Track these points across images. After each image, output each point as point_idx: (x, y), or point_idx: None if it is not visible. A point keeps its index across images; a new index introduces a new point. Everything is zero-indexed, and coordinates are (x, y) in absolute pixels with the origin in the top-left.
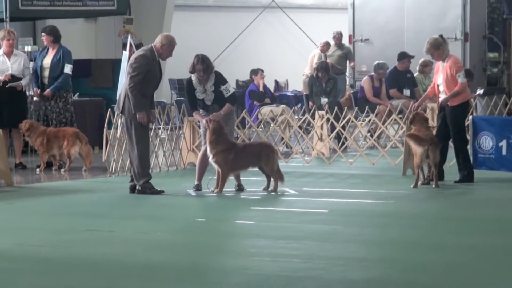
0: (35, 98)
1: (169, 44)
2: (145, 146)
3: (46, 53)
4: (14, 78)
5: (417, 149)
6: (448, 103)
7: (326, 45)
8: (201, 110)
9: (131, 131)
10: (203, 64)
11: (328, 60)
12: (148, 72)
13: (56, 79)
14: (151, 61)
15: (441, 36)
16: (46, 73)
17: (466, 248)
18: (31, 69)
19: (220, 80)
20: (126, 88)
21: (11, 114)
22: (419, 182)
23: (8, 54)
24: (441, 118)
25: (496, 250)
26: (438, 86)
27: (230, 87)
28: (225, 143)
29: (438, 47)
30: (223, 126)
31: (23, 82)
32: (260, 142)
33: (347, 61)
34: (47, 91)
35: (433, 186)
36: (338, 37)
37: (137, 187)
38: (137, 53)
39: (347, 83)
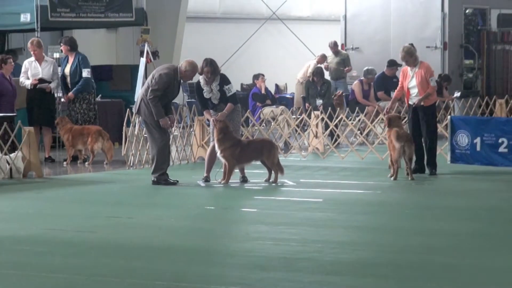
0: (62, 100)
1: (192, 70)
2: (161, 144)
3: (67, 61)
4: (43, 81)
5: (395, 145)
6: (422, 103)
7: (322, 58)
8: (211, 111)
9: (151, 130)
10: (211, 66)
11: (326, 64)
12: (167, 89)
13: (76, 84)
14: (172, 80)
15: (411, 44)
16: (68, 80)
17: (446, 233)
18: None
19: (224, 80)
20: (142, 93)
21: (41, 113)
22: (391, 174)
23: (39, 60)
24: (412, 119)
25: (472, 235)
26: (408, 89)
27: (232, 88)
28: (231, 140)
29: (412, 55)
30: (228, 125)
31: (52, 85)
32: (262, 138)
33: (346, 67)
34: (70, 94)
35: (409, 178)
36: (333, 46)
37: (152, 178)
38: (163, 70)
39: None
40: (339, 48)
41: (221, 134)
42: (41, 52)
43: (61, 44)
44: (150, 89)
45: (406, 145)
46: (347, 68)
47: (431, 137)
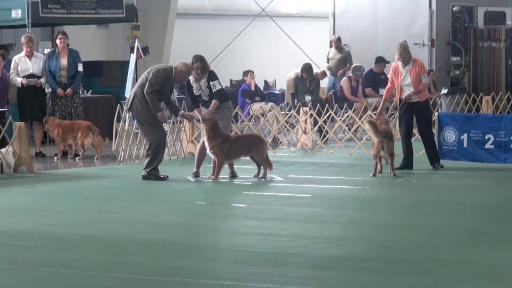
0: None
1: (186, 72)
2: (156, 140)
3: (59, 55)
4: (34, 76)
5: (374, 140)
6: (418, 99)
7: (323, 74)
8: (202, 108)
9: (144, 127)
10: (201, 62)
11: (328, 64)
12: (162, 84)
13: (72, 77)
14: (168, 77)
15: (405, 41)
16: (64, 73)
17: (433, 228)
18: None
19: (211, 76)
20: (136, 90)
21: (32, 108)
22: (377, 171)
23: (29, 56)
24: (405, 115)
25: (459, 230)
26: (402, 87)
27: (218, 84)
28: (220, 136)
29: (409, 51)
30: (217, 122)
31: (43, 80)
32: (251, 134)
33: (347, 64)
34: (69, 91)
35: (391, 174)
36: (336, 41)
37: (142, 173)
38: (160, 67)
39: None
40: (332, 44)
41: (210, 132)
42: (32, 47)
43: (63, 36)
44: (148, 83)
45: (385, 141)
46: (341, 71)
47: (430, 131)
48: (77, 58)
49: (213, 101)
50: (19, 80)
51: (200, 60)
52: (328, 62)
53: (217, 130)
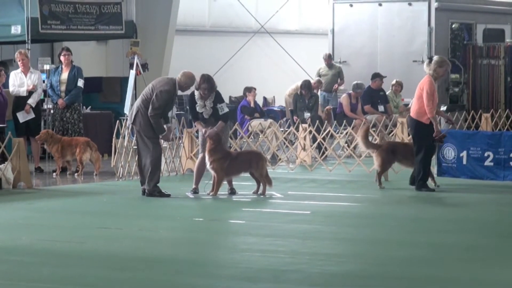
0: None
1: (191, 83)
2: (155, 155)
3: (61, 70)
4: (29, 92)
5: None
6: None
7: (318, 82)
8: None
9: (145, 141)
10: (208, 83)
11: (322, 80)
12: (166, 105)
13: (70, 92)
14: (171, 97)
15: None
16: (63, 87)
17: (433, 245)
18: (44, 85)
19: (218, 98)
20: (139, 105)
21: (27, 123)
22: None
23: (25, 72)
24: None
25: (459, 247)
26: None
27: (225, 107)
28: (221, 152)
29: (432, 66)
30: (221, 136)
31: (32, 99)
32: (251, 150)
33: (339, 80)
34: (61, 101)
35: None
36: (327, 58)
37: (146, 190)
38: (164, 86)
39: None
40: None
41: (212, 145)
42: (28, 62)
43: (68, 52)
44: (151, 107)
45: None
46: (336, 85)
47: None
48: (79, 74)
49: (220, 122)
50: (23, 89)
51: (207, 81)
52: (319, 77)
53: (219, 145)
